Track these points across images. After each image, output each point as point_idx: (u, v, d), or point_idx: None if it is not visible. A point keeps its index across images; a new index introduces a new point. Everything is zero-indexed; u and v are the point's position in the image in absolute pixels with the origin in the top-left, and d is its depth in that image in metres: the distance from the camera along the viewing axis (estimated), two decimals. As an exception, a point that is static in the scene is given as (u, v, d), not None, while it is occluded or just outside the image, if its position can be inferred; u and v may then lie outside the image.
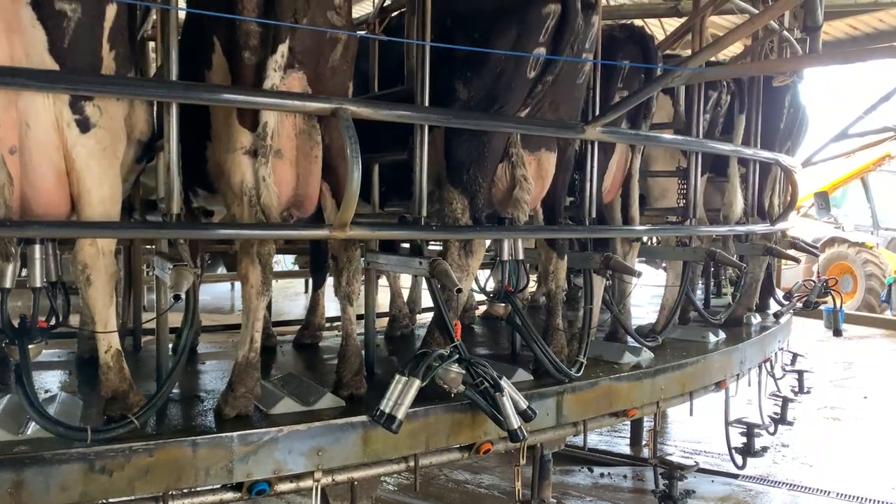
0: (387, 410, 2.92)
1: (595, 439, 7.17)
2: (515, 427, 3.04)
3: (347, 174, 2.74)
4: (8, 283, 2.75)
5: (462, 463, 4.95)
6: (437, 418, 3.25)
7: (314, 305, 5.15)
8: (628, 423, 7.11)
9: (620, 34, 4.41)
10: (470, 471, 6.27)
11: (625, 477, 6.43)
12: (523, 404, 3.16)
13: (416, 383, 2.88)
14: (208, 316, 9.21)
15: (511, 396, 3.09)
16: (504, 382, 3.06)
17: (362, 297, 3.74)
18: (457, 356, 2.98)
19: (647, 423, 7.48)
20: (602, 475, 6.42)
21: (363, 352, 3.78)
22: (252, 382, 3.03)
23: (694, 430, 7.29)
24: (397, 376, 2.98)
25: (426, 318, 6.91)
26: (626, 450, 7.16)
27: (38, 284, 2.80)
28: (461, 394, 3.08)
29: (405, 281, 6.46)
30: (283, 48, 2.84)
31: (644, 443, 7.20)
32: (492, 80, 3.51)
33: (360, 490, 3.17)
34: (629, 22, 5.13)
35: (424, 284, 6.95)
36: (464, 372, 3.02)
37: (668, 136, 4.77)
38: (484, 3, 3.55)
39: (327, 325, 5.24)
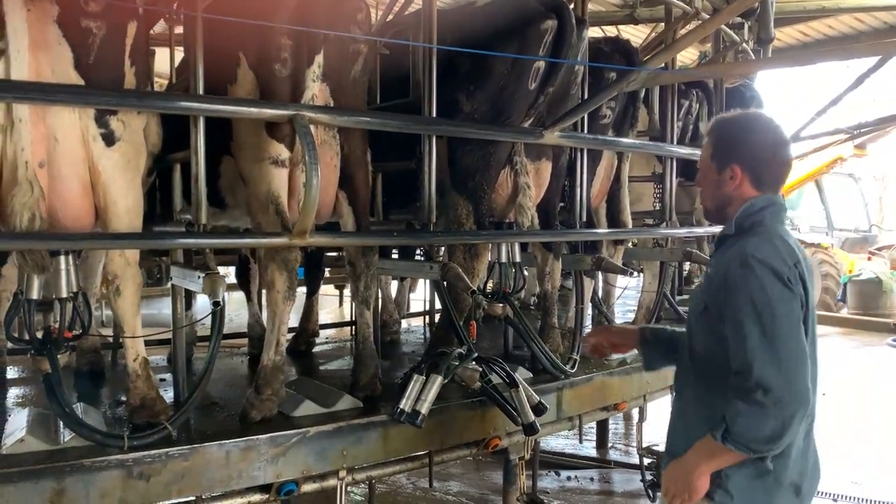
0: (407, 409, 3.05)
1: (562, 443, 7.31)
2: (531, 420, 3.21)
3: (306, 181, 2.80)
4: (35, 295, 2.81)
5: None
6: (451, 416, 3.39)
7: (308, 312, 5.23)
8: (594, 426, 7.25)
9: (607, 47, 4.63)
10: (437, 478, 6.25)
11: (591, 479, 6.50)
12: (534, 399, 3.31)
13: (439, 380, 3.02)
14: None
15: (524, 392, 3.25)
16: (518, 379, 3.22)
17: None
18: (475, 355, 3.12)
19: (612, 426, 7.66)
20: (569, 478, 6.46)
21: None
22: (278, 385, 3.13)
23: (655, 433, 7.39)
24: (415, 375, 3.11)
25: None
26: (593, 453, 7.24)
27: (65, 295, 2.84)
28: (478, 390, 3.22)
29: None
30: (319, 59, 2.95)
31: (610, 445, 7.38)
32: (495, 93, 3.68)
33: (327, 500, 3.23)
34: (615, 35, 5.34)
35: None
36: (480, 369, 3.17)
37: (626, 140, 4.96)
38: (486, 21, 3.72)
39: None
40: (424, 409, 3.01)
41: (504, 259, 4.00)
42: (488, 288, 4.04)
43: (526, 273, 6.33)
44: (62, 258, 2.83)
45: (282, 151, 3.09)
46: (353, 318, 5.84)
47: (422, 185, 3.54)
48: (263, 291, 5.95)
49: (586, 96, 4.27)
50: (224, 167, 3.45)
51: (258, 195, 3.09)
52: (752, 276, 2.19)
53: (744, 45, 6.83)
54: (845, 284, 14.97)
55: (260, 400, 3.08)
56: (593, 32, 7.15)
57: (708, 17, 5.66)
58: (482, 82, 3.65)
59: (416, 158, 3.55)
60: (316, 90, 3.02)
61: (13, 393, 3.79)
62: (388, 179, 4.07)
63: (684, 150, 5.50)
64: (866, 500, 5.72)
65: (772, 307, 2.16)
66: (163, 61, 5.66)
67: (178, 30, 5.43)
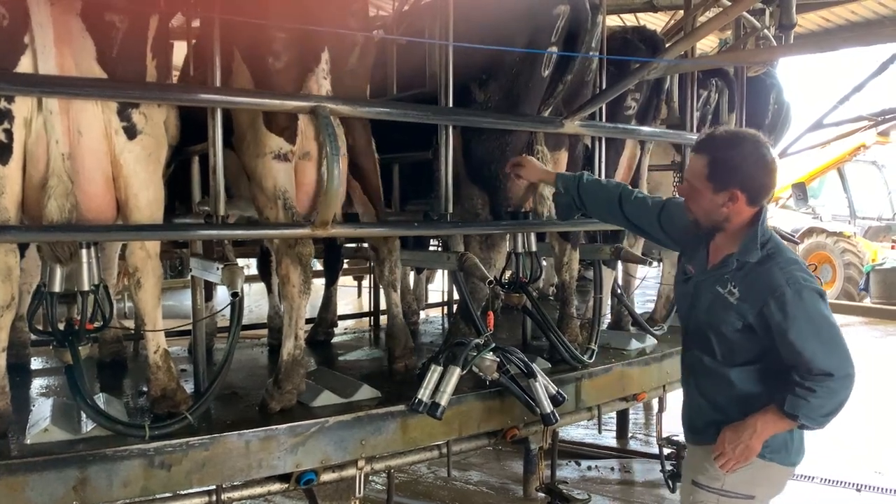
0: (425, 399, 3.06)
1: (582, 433, 7.29)
2: (549, 411, 3.20)
3: (328, 172, 2.80)
4: (58, 288, 2.85)
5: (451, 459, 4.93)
6: (469, 406, 3.40)
7: (327, 302, 5.25)
8: (614, 416, 7.23)
9: (633, 37, 4.59)
10: (458, 468, 6.23)
11: (612, 469, 6.45)
12: (553, 389, 3.31)
13: (457, 371, 3.02)
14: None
15: (542, 382, 3.25)
16: (536, 369, 3.21)
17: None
18: (493, 345, 3.11)
19: (632, 416, 7.62)
20: (589, 468, 6.43)
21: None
22: (298, 379, 3.15)
23: (674, 424, 7.33)
24: (432, 366, 3.12)
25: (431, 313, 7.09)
26: (613, 443, 7.19)
27: (87, 287, 2.87)
28: (495, 381, 3.22)
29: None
30: (325, 55, 2.96)
31: (630, 435, 7.35)
32: (508, 81, 3.66)
33: (348, 489, 3.24)
34: (642, 25, 5.29)
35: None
36: (498, 360, 3.17)
37: (646, 128, 4.92)
38: (498, 5, 3.69)
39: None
40: (444, 400, 3.02)
41: (521, 249, 3.99)
42: (505, 278, 4.03)
43: (545, 263, 6.34)
44: (84, 251, 2.85)
45: (282, 145, 3.08)
46: (372, 309, 5.94)
47: (438, 175, 3.53)
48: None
49: (605, 86, 4.24)
50: (227, 160, 3.45)
51: (265, 190, 3.10)
52: (808, 303, 2.52)
53: (765, 31, 6.74)
54: (868, 273, 14.75)
55: (280, 392, 3.10)
56: (612, 20, 7.12)
57: (729, 3, 5.59)
58: (494, 70, 3.64)
59: (433, 149, 3.54)
60: (329, 86, 3.03)
61: (37, 383, 3.85)
62: (402, 170, 4.07)
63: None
64: (890, 490, 5.66)
65: (826, 320, 2.53)
66: (180, 55, 5.69)
67: (196, 23, 5.44)
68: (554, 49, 3.68)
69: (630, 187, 3.30)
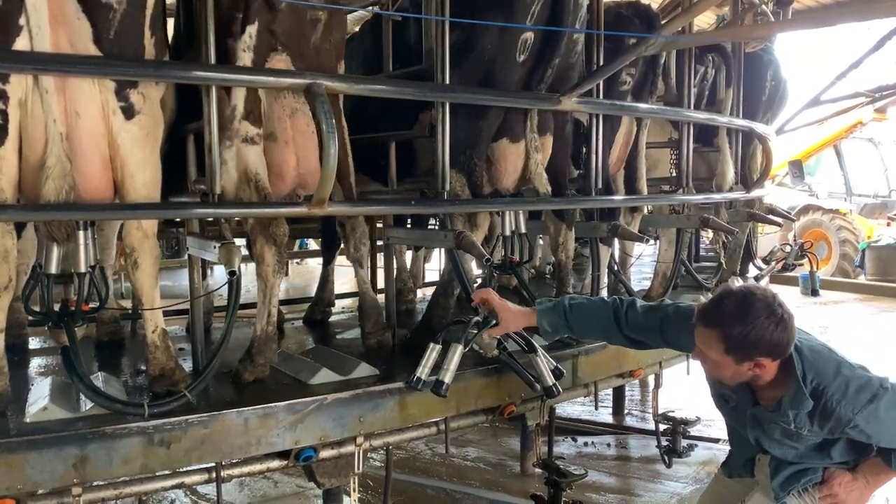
0: (423, 377, 3.05)
1: (579, 409, 7.34)
2: (551, 384, 3.24)
3: (324, 151, 2.77)
4: (54, 269, 2.84)
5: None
6: (466, 383, 3.40)
7: (324, 282, 5.25)
8: (610, 392, 7.28)
9: (627, 12, 4.55)
10: (455, 444, 6.31)
11: (608, 445, 6.55)
12: (552, 364, 3.33)
13: (459, 349, 3.01)
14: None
15: (542, 357, 3.28)
16: (536, 344, 3.24)
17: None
18: (493, 322, 3.12)
19: (628, 393, 7.67)
20: (586, 444, 6.53)
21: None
22: (271, 353, 3.23)
23: (670, 400, 7.38)
24: (430, 344, 3.11)
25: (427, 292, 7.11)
26: (610, 419, 7.27)
27: (83, 269, 2.86)
28: (496, 357, 3.24)
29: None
30: (251, 29, 2.98)
31: (626, 411, 7.40)
32: (483, 66, 3.64)
33: (347, 465, 3.24)
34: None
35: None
36: (497, 337, 3.18)
37: (643, 105, 4.92)
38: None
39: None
40: (448, 378, 2.99)
41: (509, 229, 3.98)
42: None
43: (540, 242, 6.34)
44: (81, 233, 2.84)
45: (249, 129, 3.09)
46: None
47: (435, 153, 3.52)
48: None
49: (601, 63, 4.21)
50: None
51: (238, 173, 3.10)
52: (883, 413, 2.56)
53: (763, 6, 6.70)
54: (864, 250, 14.83)
55: (254, 365, 3.18)
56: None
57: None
58: (466, 55, 3.60)
59: (430, 127, 3.53)
60: (248, 60, 3.02)
61: (36, 363, 3.86)
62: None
63: (702, 116, 5.44)
64: None
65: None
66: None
67: None
68: (529, 34, 3.62)
69: (619, 299, 3.12)
